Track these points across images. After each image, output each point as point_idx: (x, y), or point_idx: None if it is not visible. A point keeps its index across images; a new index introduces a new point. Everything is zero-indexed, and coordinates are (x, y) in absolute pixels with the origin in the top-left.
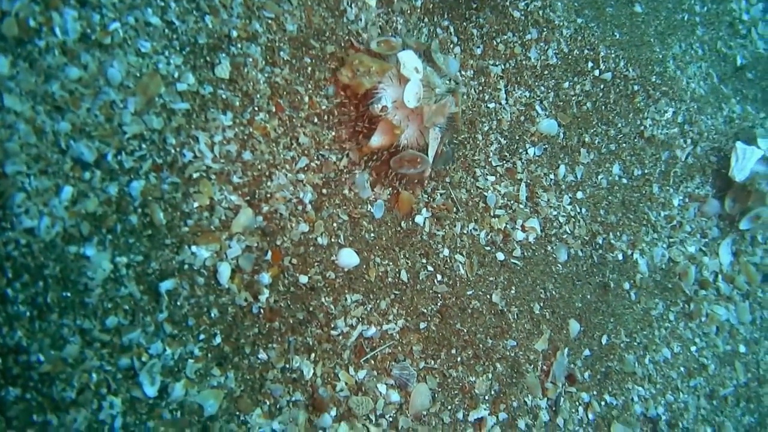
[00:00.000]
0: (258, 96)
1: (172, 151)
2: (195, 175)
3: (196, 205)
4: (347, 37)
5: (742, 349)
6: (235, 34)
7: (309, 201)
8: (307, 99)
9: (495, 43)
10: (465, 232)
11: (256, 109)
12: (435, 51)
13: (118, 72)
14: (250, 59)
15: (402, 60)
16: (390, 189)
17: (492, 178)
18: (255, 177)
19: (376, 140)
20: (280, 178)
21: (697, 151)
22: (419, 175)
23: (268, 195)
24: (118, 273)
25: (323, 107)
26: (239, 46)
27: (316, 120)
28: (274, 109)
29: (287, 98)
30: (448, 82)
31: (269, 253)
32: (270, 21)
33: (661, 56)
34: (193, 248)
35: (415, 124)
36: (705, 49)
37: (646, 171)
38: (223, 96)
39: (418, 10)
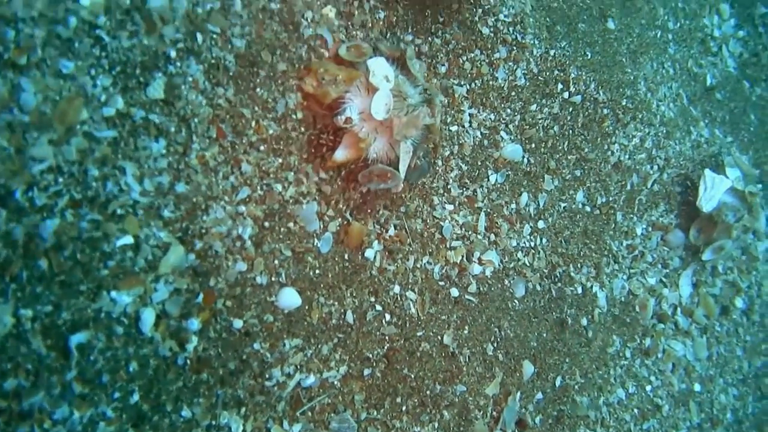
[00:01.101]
0: (197, 120)
1: (94, 184)
2: (119, 211)
3: (119, 244)
4: (302, 53)
5: (697, 387)
6: (173, 51)
7: (249, 236)
8: (253, 123)
9: (461, 61)
10: (418, 266)
11: (194, 135)
12: (410, 58)
13: (32, 96)
14: (190, 79)
15: (371, 68)
16: (340, 220)
17: (450, 207)
18: (189, 211)
19: (341, 154)
20: (218, 211)
21: (663, 177)
22: (390, 191)
23: (203, 230)
24: (21, 328)
25: (271, 132)
26: (178, 64)
27: (261, 146)
28: (214, 135)
29: (230, 122)
30: (423, 91)
31: (201, 295)
32: (215, 36)
33: (632, 77)
34: (113, 293)
35: (385, 137)
36: (676, 68)
37: (610, 198)
38: (157, 121)
39: (381, 23)
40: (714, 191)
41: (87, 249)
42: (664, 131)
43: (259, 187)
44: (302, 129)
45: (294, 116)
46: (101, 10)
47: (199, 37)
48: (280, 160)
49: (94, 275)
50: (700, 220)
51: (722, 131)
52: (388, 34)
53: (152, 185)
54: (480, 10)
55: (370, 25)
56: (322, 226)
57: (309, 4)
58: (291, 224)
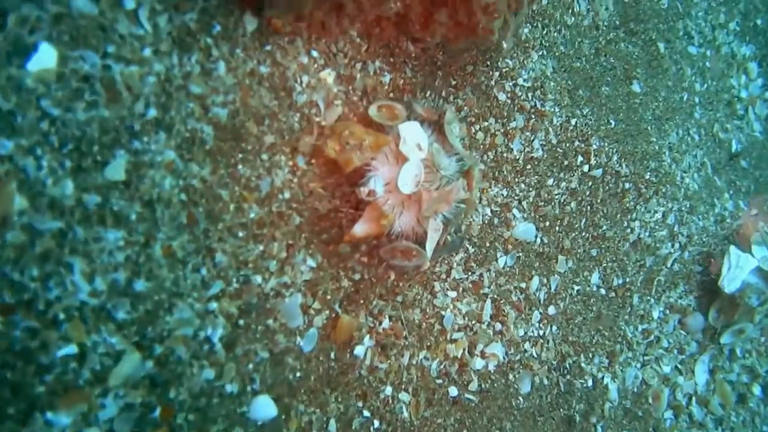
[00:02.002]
0: (163, 204)
1: (32, 285)
2: (62, 316)
3: (60, 354)
4: (294, 123)
5: None
6: (140, 124)
7: (219, 338)
8: (232, 206)
9: (474, 130)
10: (414, 362)
11: (159, 222)
12: (449, 122)
13: None
14: (159, 157)
15: (403, 134)
16: (327, 312)
17: (453, 294)
18: (148, 311)
19: (361, 228)
20: (184, 310)
21: (684, 256)
22: (414, 269)
23: (165, 333)
24: None
25: (252, 215)
26: (145, 139)
27: (240, 233)
28: (184, 221)
29: (204, 206)
30: (459, 161)
31: (158, 409)
32: (192, 104)
33: (657, 147)
34: (49, 415)
35: (413, 211)
36: (702, 134)
37: (627, 279)
38: (115, 207)
39: (386, 88)
40: (738, 271)
41: (19, 363)
42: (688, 205)
43: (234, 280)
44: (292, 209)
45: (281, 196)
46: (52, 78)
47: (173, 106)
48: (261, 248)
49: (26, 394)
50: (720, 301)
51: (747, 203)
52: (382, 102)
53: (105, 283)
54: (497, 74)
55: (374, 88)
56: (306, 321)
57: (304, 68)
58: (270, 321)
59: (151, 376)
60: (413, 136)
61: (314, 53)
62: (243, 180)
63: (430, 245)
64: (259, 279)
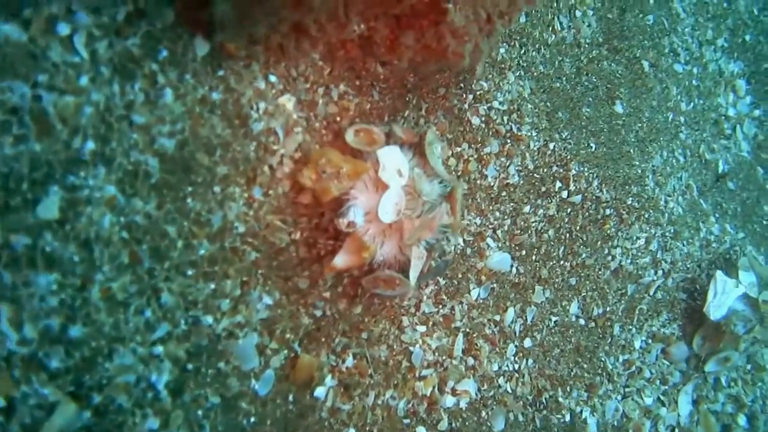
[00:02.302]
0: (102, 243)
1: None
2: None
3: None
4: (249, 153)
5: None
6: (73, 159)
7: (165, 384)
8: (180, 243)
9: (446, 156)
10: (379, 402)
11: (98, 263)
12: (431, 143)
13: None
14: (97, 193)
15: (382, 160)
16: (286, 352)
17: (422, 329)
18: (86, 358)
19: (341, 260)
20: (125, 356)
21: (668, 283)
22: (398, 298)
23: (104, 381)
24: None
25: (202, 252)
26: (82, 174)
27: (189, 271)
28: (126, 261)
29: (149, 244)
30: (441, 185)
31: None
32: (136, 135)
33: (640, 171)
34: None
35: (395, 240)
36: (687, 155)
37: (608, 309)
38: (47, 249)
39: (352, 113)
40: (724, 297)
41: None
42: (672, 231)
43: (182, 322)
44: (247, 243)
45: (235, 230)
46: None
47: (114, 138)
48: (213, 286)
49: None
50: (706, 328)
51: (733, 226)
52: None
53: (35, 331)
54: (471, 96)
55: (338, 115)
56: (262, 363)
57: (261, 94)
58: (222, 364)
59: (89, 428)
60: (393, 161)
61: (272, 78)
62: (192, 214)
63: (413, 273)
64: (209, 319)
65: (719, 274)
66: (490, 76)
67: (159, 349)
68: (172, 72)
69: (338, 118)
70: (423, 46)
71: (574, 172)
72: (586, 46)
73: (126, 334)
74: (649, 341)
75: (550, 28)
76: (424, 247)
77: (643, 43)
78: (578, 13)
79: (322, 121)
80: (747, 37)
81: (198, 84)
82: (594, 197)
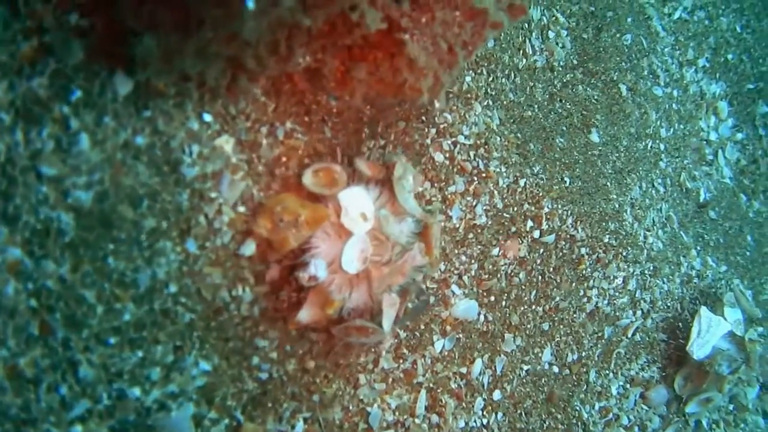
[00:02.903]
0: (5, 315)
1: None
2: None
3: None
4: (182, 202)
5: None
6: None
7: None
8: (100, 309)
9: (418, 187)
10: None
11: (1, 335)
12: (400, 178)
13: None
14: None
15: (344, 203)
16: (227, 421)
17: (381, 387)
18: None
19: (305, 315)
20: None
21: (647, 324)
22: (373, 346)
23: None
24: None
25: (127, 317)
26: None
27: (111, 339)
28: (36, 332)
29: (63, 311)
30: (414, 222)
31: None
32: (45, 189)
33: (617, 205)
34: None
35: (363, 288)
36: (667, 184)
37: (583, 354)
38: None
39: (300, 152)
40: (708, 335)
41: None
42: (651, 268)
43: (105, 396)
44: (180, 304)
45: (166, 290)
46: None
47: (18, 193)
48: (141, 354)
49: None
50: (689, 367)
51: (715, 259)
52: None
53: None
54: (434, 131)
55: (282, 155)
56: None
57: (195, 135)
58: None
59: None
60: (356, 204)
61: (207, 117)
62: (115, 275)
63: (387, 322)
64: (137, 392)
65: (704, 310)
66: (455, 107)
67: (77, 428)
68: (87, 115)
69: (285, 159)
70: (377, 80)
71: (546, 209)
72: (560, 69)
73: (37, 415)
74: (627, 386)
75: (521, 52)
76: (396, 293)
77: (621, 65)
78: (551, 34)
79: (267, 163)
80: (729, 56)
81: (119, 127)
82: (568, 236)
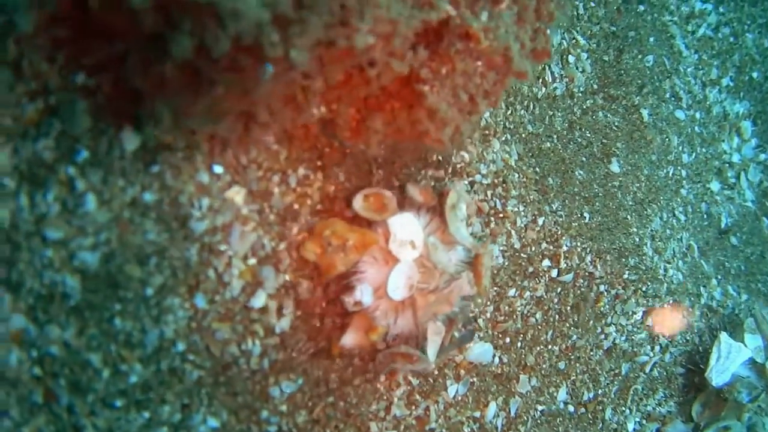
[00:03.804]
0: (8, 385)
1: None
2: None
3: None
4: (192, 256)
5: None
6: None
7: None
8: (106, 372)
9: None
10: None
11: (3, 407)
12: (454, 206)
13: None
14: (1, 327)
15: (393, 229)
16: None
17: None
18: None
19: (348, 340)
20: None
21: (665, 359)
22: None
23: None
24: None
25: (134, 379)
26: None
27: (117, 402)
28: (40, 400)
29: (67, 377)
30: (463, 251)
31: None
32: (50, 253)
33: (637, 239)
34: None
35: (409, 315)
36: (688, 212)
37: (599, 392)
38: None
39: (313, 199)
40: (728, 362)
41: None
42: (671, 302)
43: None
44: (188, 362)
45: (174, 349)
46: None
47: (22, 258)
48: (147, 415)
49: None
50: (707, 394)
51: (736, 288)
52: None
53: None
54: (450, 170)
55: (297, 205)
56: None
57: (204, 189)
58: None
59: None
60: (405, 231)
61: (217, 169)
62: (121, 337)
63: (432, 350)
64: None
65: (723, 336)
66: (473, 145)
67: None
68: (94, 174)
69: (297, 207)
70: (394, 130)
71: (565, 248)
72: (580, 95)
73: None
74: (644, 422)
75: (540, 80)
76: (442, 321)
77: (642, 88)
78: (571, 59)
79: (278, 213)
80: (755, 75)
81: (127, 185)
82: (587, 274)
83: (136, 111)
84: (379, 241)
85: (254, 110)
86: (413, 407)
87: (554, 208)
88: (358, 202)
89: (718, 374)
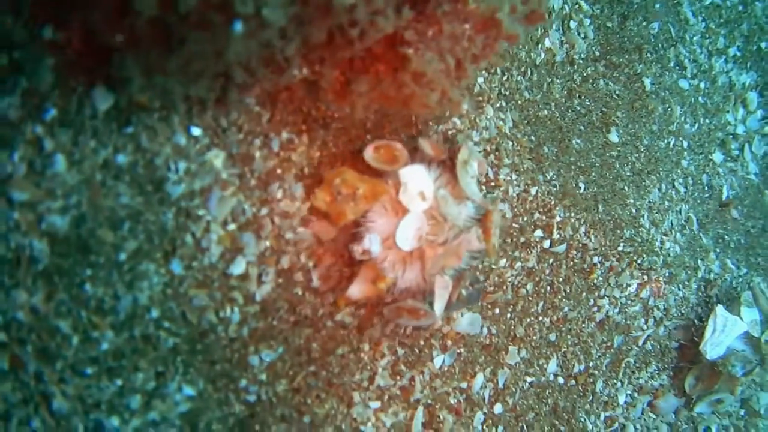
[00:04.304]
0: None
1: None
2: None
3: None
4: (167, 221)
5: None
6: None
7: None
8: (76, 339)
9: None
10: None
11: None
12: (464, 162)
13: None
14: None
15: (404, 180)
16: None
17: (376, 405)
18: None
19: (356, 290)
20: None
21: (659, 332)
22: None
23: None
24: None
25: (105, 346)
26: None
27: (88, 369)
28: (5, 367)
29: (35, 343)
30: (473, 207)
31: None
32: (16, 215)
33: (634, 210)
34: None
35: (417, 268)
36: (688, 185)
37: (590, 364)
38: None
39: (297, 164)
40: (723, 335)
41: None
42: (667, 274)
43: (81, 427)
44: (162, 329)
45: (148, 315)
46: None
47: None
48: (120, 383)
49: None
50: (701, 367)
51: (735, 261)
52: (306, 178)
53: None
54: (440, 138)
55: (280, 169)
56: None
57: (181, 151)
58: None
59: None
60: (415, 183)
61: (195, 130)
62: (93, 303)
63: (439, 305)
64: (115, 422)
65: (719, 309)
66: (465, 111)
67: None
68: (63, 134)
69: (279, 171)
70: (380, 94)
71: (558, 218)
72: (581, 62)
73: None
74: (635, 395)
75: (539, 46)
76: (450, 276)
77: (646, 56)
78: (573, 24)
79: (259, 177)
80: (763, 45)
81: (99, 146)
82: (580, 245)
83: (108, 69)
84: (390, 192)
85: (230, 71)
86: (398, 377)
87: (548, 177)
88: (369, 153)
89: (712, 347)
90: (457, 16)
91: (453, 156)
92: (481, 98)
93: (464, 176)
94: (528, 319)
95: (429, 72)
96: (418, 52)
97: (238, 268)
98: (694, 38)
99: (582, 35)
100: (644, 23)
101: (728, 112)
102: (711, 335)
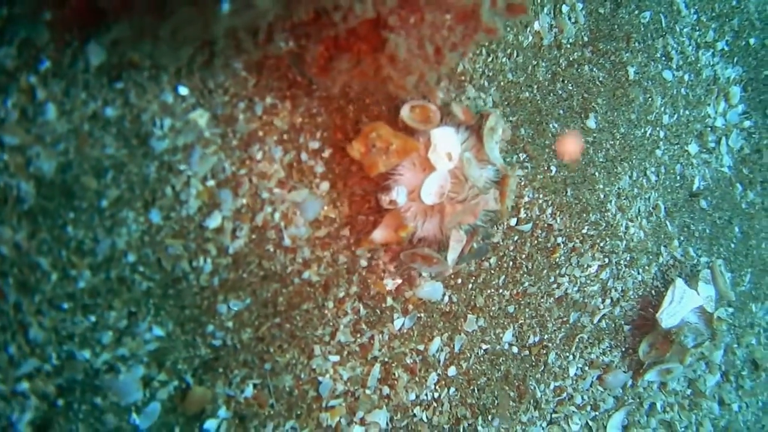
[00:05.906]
0: None
1: None
2: None
3: None
4: (150, 173)
5: None
6: None
7: (28, 421)
8: (54, 275)
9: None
10: None
11: None
12: (491, 128)
13: None
14: None
15: (434, 140)
16: (177, 383)
17: (335, 359)
18: None
19: (379, 235)
20: None
21: (614, 312)
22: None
23: None
24: None
25: (81, 284)
26: None
27: (64, 304)
28: None
29: (16, 276)
30: (493, 170)
31: None
32: (6, 157)
33: (602, 196)
34: None
35: (436, 221)
36: (660, 174)
37: (545, 336)
38: None
39: (278, 128)
40: (679, 307)
41: None
42: (628, 258)
43: (54, 357)
44: (137, 273)
45: (124, 259)
46: None
47: None
48: (93, 319)
49: None
50: (655, 335)
51: (697, 250)
52: (288, 142)
53: None
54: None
55: (261, 132)
56: (146, 396)
57: (167, 108)
58: (99, 399)
59: None
60: (444, 144)
61: (183, 90)
62: (73, 243)
63: (452, 256)
64: (87, 354)
65: (679, 281)
66: (446, 89)
67: (24, 385)
68: (56, 85)
69: (261, 134)
70: (360, 72)
71: (526, 199)
72: (568, 47)
73: None
74: (586, 368)
75: (528, 29)
76: (465, 231)
77: (634, 45)
78: (565, 8)
79: (240, 139)
80: (752, 41)
81: (89, 98)
82: (546, 225)
83: (102, 28)
84: (420, 150)
85: (216, 41)
86: (358, 335)
87: (521, 158)
88: (406, 112)
89: (668, 316)
90: (439, 6)
91: (481, 122)
92: (463, 78)
93: (489, 142)
94: (488, 291)
95: (402, 56)
96: (397, 37)
97: (214, 221)
98: (684, 30)
99: (573, 20)
100: (636, 11)
101: (709, 104)
102: (668, 305)
